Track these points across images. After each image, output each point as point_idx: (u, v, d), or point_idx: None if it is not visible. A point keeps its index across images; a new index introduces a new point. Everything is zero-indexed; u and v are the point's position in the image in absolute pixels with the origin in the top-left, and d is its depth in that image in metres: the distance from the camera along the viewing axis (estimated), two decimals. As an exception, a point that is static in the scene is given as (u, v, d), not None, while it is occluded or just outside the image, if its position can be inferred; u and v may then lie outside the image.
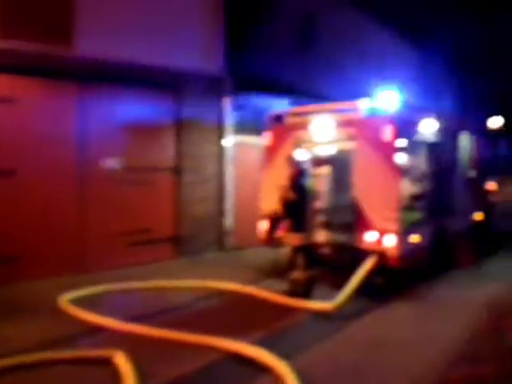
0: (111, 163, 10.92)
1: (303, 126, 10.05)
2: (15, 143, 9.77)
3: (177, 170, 11.97)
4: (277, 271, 10.13)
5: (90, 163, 10.62)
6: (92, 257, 10.53)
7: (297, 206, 8.65)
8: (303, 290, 8.51)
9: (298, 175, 8.85)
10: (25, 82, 9.93)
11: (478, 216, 12.94)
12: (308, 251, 8.73)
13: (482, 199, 13.44)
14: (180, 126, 12.11)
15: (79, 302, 8.08)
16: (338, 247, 9.41)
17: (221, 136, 12.89)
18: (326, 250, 9.57)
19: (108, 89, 10.93)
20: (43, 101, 10.15)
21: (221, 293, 9.01)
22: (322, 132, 9.78)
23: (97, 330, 7.09)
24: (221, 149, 12.87)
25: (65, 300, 8.14)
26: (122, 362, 5.69)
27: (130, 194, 11.10)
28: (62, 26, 10.21)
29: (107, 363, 5.80)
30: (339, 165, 10.00)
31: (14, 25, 9.66)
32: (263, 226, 10.39)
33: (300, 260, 8.60)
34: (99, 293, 8.80)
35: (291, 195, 8.68)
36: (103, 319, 7.28)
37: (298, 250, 8.66)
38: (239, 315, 7.88)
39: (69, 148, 10.40)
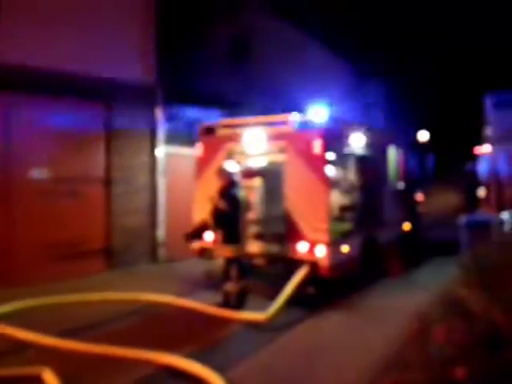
0: (38, 174, 10.62)
1: (235, 138, 10.12)
2: None
3: (107, 181, 11.78)
4: (210, 283, 10.14)
5: (15, 174, 10.29)
6: (19, 270, 10.17)
7: (229, 217, 8.69)
8: (236, 302, 8.54)
9: (228, 186, 8.92)
10: None
11: (407, 226, 13.33)
12: (241, 263, 8.78)
13: (410, 210, 13.85)
14: (111, 136, 11.92)
15: (5, 318, 7.81)
16: (271, 258, 9.48)
17: (153, 147, 12.79)
18: (259, 261, 9.63)
19: (35, 97, 10.60)
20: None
21: (153, 305, 8.90)
22: (254, 144, 9.88)
23: (24, 346, 6.87)
24: (153, 159, 12.76)
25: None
26: (51, 379, 5.55)
27: (59, 206, 10.81)
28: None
29: (36, 381, 5.62)
30: (271, 177, 10.12)
31: None
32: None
33: (233, 271, 8.63)
34: (27, 307, 8.51)
35: (222, 205, 8.73)
36: (31, 335, 7.06)
37: (231, 261, 8.70)
38: (172, 328, 7.83)
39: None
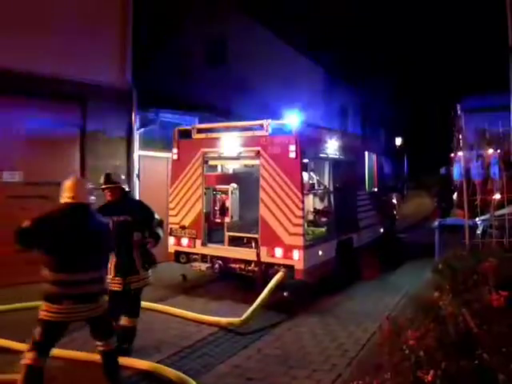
0: (9, 176, 10.52)
1: (210, 143, 10.14)
2: None
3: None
4: (186, 287, 10.16)
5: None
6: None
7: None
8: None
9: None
10: None
11: (381, 229, 13.46)
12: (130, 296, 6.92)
13: (385, 213, 14.00)
14: (86, 140, 11.83)
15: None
16: (247, 262, 9.49)
17: (128, 150, 12.73)
18: (236, 265, 9.64)
19: (9, 99, 10.44)
20: None
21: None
22: (229, 149, 9.89)
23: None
24: (128, 163, 12.69)
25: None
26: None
27: (32, 210, 10.60)
28: None
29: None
30: (246, 181, 10.19)
31: None
32: (171, 241, 10.38)
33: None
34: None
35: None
36: (2, 340, 6.98)
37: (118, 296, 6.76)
38: (147, 332, 7.77)
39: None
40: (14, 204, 10.35)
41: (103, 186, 6.96)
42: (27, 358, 5.22)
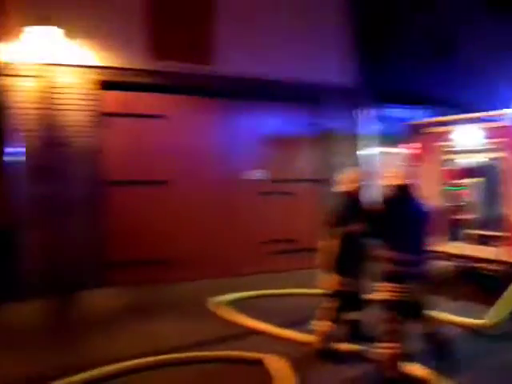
0: (256, 175, 11.51)
1: (447, 136, 9.81)
2: (167, 156, 10.62)
3: (318, 181, 12.07)
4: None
5: (235, 175, 11.31)
6: (236, 262, 10.98)
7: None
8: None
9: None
10: (174, 99, 10.75)
11: None
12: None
13: None
14: (319, 139, 12.34)
15: (229, 305, 8.42)
16: (489, 261, 8.97)
17: (357, 147, 12.83)
18: (477, 264, 9.18)
19: (249, 104, 11.51)
20: (191, 117, 10.91)
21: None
22: (468, 141, 9.48)
23: (249, 333, 7.25)
24: (356, 159, 12.79)
25: (215, 302, 8.55)
26: (276, 364, 5.78)
27: (275, 205, 11.59)
28: (205, 47, 10.95)
29: (259, 365, 5.90)
30: (487, 175, 9.65)
31: (164, 48, 10.53)
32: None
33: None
34: (249, 297, 9.06)
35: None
36: (256, 323, 7.45)
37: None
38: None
39: (215, 160, 11.11)
40: (263, 199, 11.42)
41: None
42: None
